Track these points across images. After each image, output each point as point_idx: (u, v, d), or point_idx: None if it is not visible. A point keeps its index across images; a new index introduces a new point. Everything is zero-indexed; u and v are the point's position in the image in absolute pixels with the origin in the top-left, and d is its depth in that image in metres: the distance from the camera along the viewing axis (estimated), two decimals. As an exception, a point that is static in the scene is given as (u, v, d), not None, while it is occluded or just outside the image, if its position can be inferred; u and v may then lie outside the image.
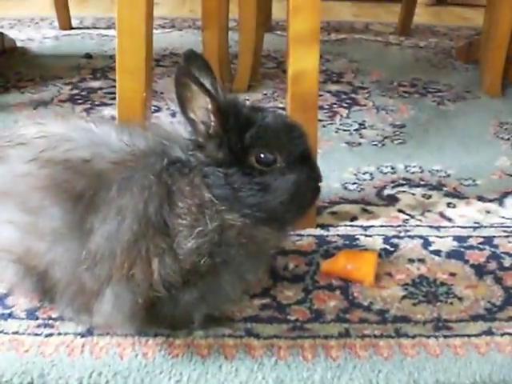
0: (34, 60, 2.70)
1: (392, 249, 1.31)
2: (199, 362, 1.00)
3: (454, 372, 1.00)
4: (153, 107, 2.02)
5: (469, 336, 1.07)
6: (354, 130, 1.97)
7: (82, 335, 1.05)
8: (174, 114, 1.97)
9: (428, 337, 1.07)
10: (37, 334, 1.06)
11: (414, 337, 1.07)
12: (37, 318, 1.09)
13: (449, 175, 1.67)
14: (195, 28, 3.26)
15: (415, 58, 2.87)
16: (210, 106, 0.95)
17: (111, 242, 0.93)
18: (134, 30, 1.26)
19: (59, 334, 1.06)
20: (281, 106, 2.13)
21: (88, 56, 2.74)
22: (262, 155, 0.97)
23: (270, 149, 0.97)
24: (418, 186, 1.61)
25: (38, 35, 3.12)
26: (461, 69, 2.70)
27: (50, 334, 1.06)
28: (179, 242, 0.94)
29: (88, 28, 3.31)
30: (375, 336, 1.06)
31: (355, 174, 1.65)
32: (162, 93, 2.26)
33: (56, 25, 3.29)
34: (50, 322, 1.09)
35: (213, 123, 0.96)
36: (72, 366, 0.99)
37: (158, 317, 1.02)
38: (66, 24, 3.27)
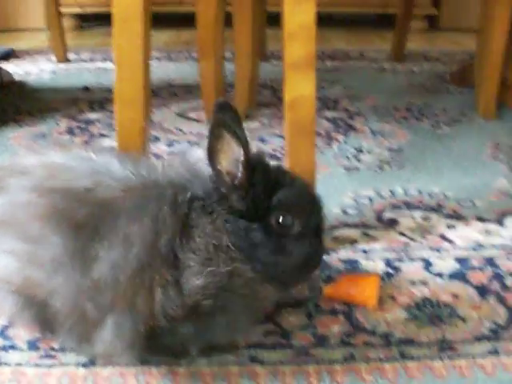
0: (32, 94, 2.72)
1: (394, 272, 1.31)
2: (204, 390, 0.99)
3: (460, 394, 0.98)
4: (151, 137, 2.03)
5: (474, 357, 1.06)
6: (352, 155, 1.97)
7: (84, 365, 1.04)
8: (170, 144, 2.00)
9: (433, 359, 1.06)
10: (39, 365, 1.05)
11: (419, 359, 1.06)
12: (38, 349, 1.08)
13: (447, 197, 1.67)
14: (191, 59, 3.29)
15: (409, 83, 2.89)
16: (241, 158, 0.97)
17: (116, 270, 0.94)
18: (131, 60, 1.28)
19: (61, 364, 1.05)
20: (277, 132, 2.14)
21: (85, 89, 2.76)
22: (283, 218, 1.00)
23: (291, 214, 1.00)
24: (418, 208, 1.61)
25: (35, 69, 3.14)
26: (455, 93, 2.73)
27: (52, 365, 1.05)
28: (187, 277, 0.95)
29: (85, 61, 3.34)
30: (380, 359, 1.06)
31: (354, 199, 1.65)
32: (159, 122, 2.27)
33: (53, 58, 3.32)
34: (52, 352, 1.08)
35: (240, 174, 0.99)
36: (75, 397, 0.98)
37: (158, 346, 1.01)
38: (62, 57, 3.30)
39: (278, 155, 1.94)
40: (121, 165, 1.04)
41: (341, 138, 2.13)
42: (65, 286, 0.96)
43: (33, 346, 1.09)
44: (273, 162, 1.07)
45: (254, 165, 1.00)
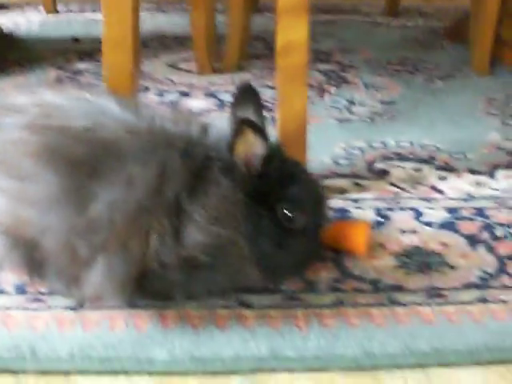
0: (20, 44, 2.67)
1: (384, 220, 1.31)
2: (191, 331, 0.99)
3: (449, 339, 0.99)
4: (141, 87, 2.00)
5: (463, 303, 1.06)
6: (344, 107, 1.95)
7: (73, 309, 1.04)
8: (160, 94, 1.97)
9: (421, 304, 1.06)
10: (27, 309, 1.04)
11: (407, 305, 1.06)
12: (26, 293, 1.08)
13: (439, 149, 1.66)
14: (182, 11, 3.23)
15: (403, 37, 2.85)
16: (260, 153, 1.00)
17: (113, 209, 0.93)
18: (119, 2, 1.24)
19: (49, 308, 1.04)
20: (269, 84, 2.12)
21: (75, 40, 2.71)
22: (289, 212, 1.02)
23: (298, 209, 1.02)
24: (409, 160, 1.60)
25: (24, 20, 3.08)
26: (449, 48, 2.68)
27: (40, 309, 1.04)
28: (190, 230, 0.95)
29: (74, 12, 3.27)
30: (368, 305, 1.06)
31: (345, 150, 1.64)
32: (149, 73, 2.24)
33: (42, 9, 3.25)
34: (40, 296, 1.07)
35: (257, 166, 1.01)
36: (63, 340, 0.97)
37: (147, 289, 1.01)
38: (51, 8, 3.22)
39: (270, 106, 1.91)
40: (121, 108, 1.03)
41: (333, 89, 2.10)
42: (57, 223, 0.94)
43: (20, 289, 1.09)
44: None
45: (271, 156, 1.02)
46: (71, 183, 0.94)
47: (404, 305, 1.06)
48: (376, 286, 1.11)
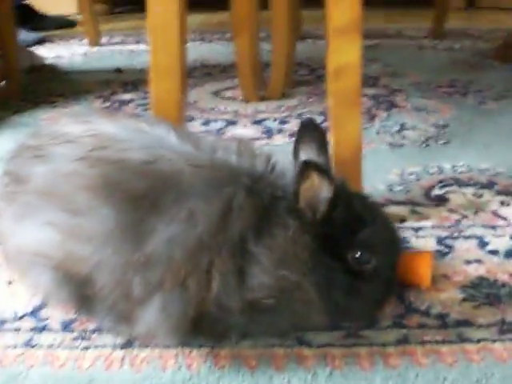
0: (64, 76, 2.69)
1: (447, 250, 1.23)
2: (247, 373, 0.93)
3: (525, 378, 0.90)
4: (188, 116, 1.97)
5: (539, 339, 0.98)
6: (396, 131, 1.89)
7: (122, 347, 0.99)
8: (206, 123, 1.94)
9: (494, 341, 0.98)
10: (73, 348, 0.99)
11: (478, 341, 0.98)
12: (73, 331, 1.03)
13: (499, 173, 1.58)
14: (224, 40, 3.22)
15: (451, 60, 2.78)
16: (326, 196, 0.93)
17: (172, 245, 0.88)
18: (166, 26, 1.21)
19: (96, 346, 0.99)
20: (316, 110, 2.07)
21: (118, 70, 2.71)
22: (361, 256, 0.95)
23: (370, 254, 0.96)
24: (468, 185, 1.52)
25: (68, 52, 3.10)
26: (500, 69, 2.61)
27: (87, 347, 0.99)
28: (256, 272, 0.90)
29: (117, 44, 3.29)
30: (436, 342, 0.98)
31: (400, 175, 1.57)
32: (195, 102, 2.21)
33: (85, 42, 3.27)
34: (87, 334, 1.02)
35: (322, 211, 0.94)
36: (111, 381, 0.92)
37: (202, 330, 0.95)
38: (95, 41, 3.25)
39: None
40: (179, 139, 0.98)
41: (383, 114, 2.04)
42: (112, 259, 0.90)
43: (67, 327, 1.04)
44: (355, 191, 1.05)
45: (337, 197, 0.95)
46: (129, 218, 0.90)
47: (475, 341, 0.98)
48: (443, 321, 1.03)
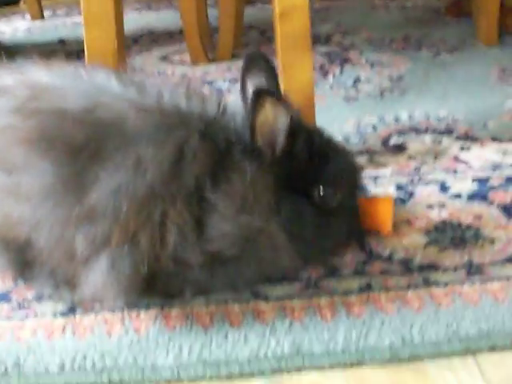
0: (6, 50, 2.55)
1: (407, 196, 1.17)
2: (201, 332, 0.86)
3: (497, 319, 0.85)
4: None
5: (508, 279, 0.93)
6: (350, 85, 1.82)
7: (63, 314, 0.91)
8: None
9: (462, 283, 0.92)
10: (11, 318, 0.91)
11: (445, 285, 0.92)
12: (10, 301, 0.94)
13: (457, 120, 1.53)
14: (172, 8, 3.11)
15: (404, 17, 2.73)
16: (283, 127, 0.85)
17: (118, 196, 0.79)
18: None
19: (36, 315, 0.91)
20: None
21: (61, 42, 2.60)
22: (325, 191, 0.90)
23: (335, 187, 0.90)
24: (426, 132, 1.46)
25: (10, 28, 2.97)
26: (453, 23, 2.56)
27: (26, 317, 0.91)
28: (215, 222, 0.82)
29: (61, 16, 3.16)
30: (401, 287, 0.92)
31: (356, 126, 1.51)
32: (141, 67, 2.11)
33: (28, 17, 3.14)
34: (26, 303, 0.94)
35: (281, 144, 0.87)
36: (52, 351, 0.84)
37: (154, 288, 0.88)
38: (38, 15, 3.12)
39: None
40: (122, 84, 0.89)
41: (336, 70, 1.97)
42: (52, 216, 0.81)
43: (4, 297, 0.95)
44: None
45: (296, 130, 0.88)
46: (69, 171, 0.81)
47: (442, 285, 0.92)
48: (407, 266, 0.97)
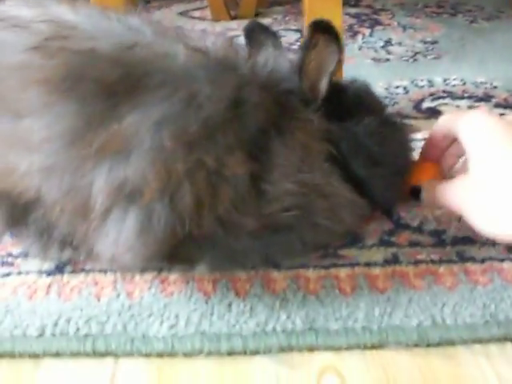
0: None
1: (440, 163, 1.05)
2: (201, 300, 0.75)
3: (541, 302, 0.74)
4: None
5: (555, 257, 0.81)
6: (380, 47, 1.70)
7: (49, 273, 0.80)
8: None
9: (502, 260, 0.81)
10: (-10, 275, 0.81)
11: (482, 261, 0.81)
12: (-8, 255, 0.85)
13: (495, 87, 1.40)
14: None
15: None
16: (331, 66, 0.75)
17: (161, 127, 0.65)
18: None
19: (19, 273, 0.81)
20: (292, 27, 1.87)
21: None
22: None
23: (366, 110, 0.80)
24: (462, 98, 1.34)
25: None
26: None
27: (8, 274, 0.81)
28: (275, 178, 0.69)
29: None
30: (432, 261, 0.81)
31: (386, 89, 1.38)
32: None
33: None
34: (10, 259, 0.84)
35: (325, 87, 0.76)
36: (32, 312, 0.74)
37: (178, 255, 0.74)
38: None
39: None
40: (160, 30, 0.74)
41: (366, 31, 1.84)
42: (68, 161, 0.67)
43: (-15, 251, 0.85)
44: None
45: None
46: (98, 108, 0.66)
47: (479, 261, 0.81)
48: (439, 238, 0.86)
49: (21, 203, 0.73)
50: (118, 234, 0.68)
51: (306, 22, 1.10)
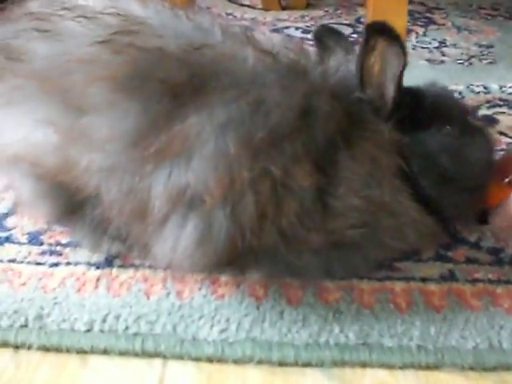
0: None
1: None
2: (252, 306, 0.74)
3: None
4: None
5: None
6: (434, 47, 1.66)
7: (98, 266, 0.79)
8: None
9: None
10: (39, 264, 0.80)
11: (543, 284, 0.78)
12: (41, 244, 0.84)
13: (554, 97, 1.36)
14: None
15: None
16: (397, 70, 0.71)
17: (226, 131, 0.63)
18: None
19: (68, 263, 0.80)
20: (344, 21, 1.83)
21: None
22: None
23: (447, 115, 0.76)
24: (520, 107, 1.30)
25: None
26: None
27: (56, 264, 0.80)
28: (342, 192, 0.66)
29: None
30: (490, 281, 0.78)
31: (442, 93, 1.34)
32: (208, 7, 1.98)
33: None
34: (58, 248, 0.83)
35: (391, 95, 0.72)
36: (81, 306, 0.74)
37: (236, 265, 0.73)
38: None
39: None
40: (229, 32, 0.73)
41: (420, 30, 1.80)
42: (129, 162, 0.66)
43: (34, 239, 0.85)
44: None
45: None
46: (164, 109, 0.65)
47: (539, 283, 0.78)
48: (497, 256, 0.83)
49: (79, 197, 0.72)
50: (177, 241, 0.67)
51: (368, 19, 1.06)
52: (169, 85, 0.66)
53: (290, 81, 0.68)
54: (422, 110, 0.75)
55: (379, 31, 0.69)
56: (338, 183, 0.67)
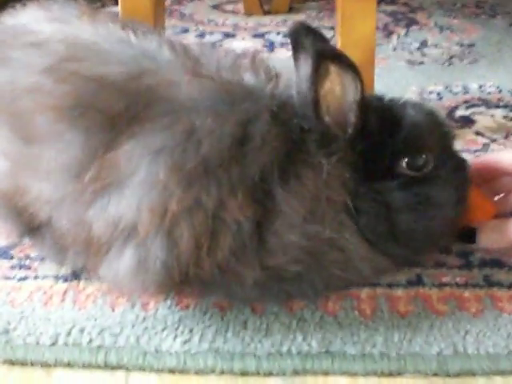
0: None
1: (471, 177, 1.02)
2: (216, 316, 0.74)
3: None
4: (181, 27, 1.77)
5: None
6: (415, 48, 1.66)
7: (66, 279, 0.80)
8: (201, 35, 1.72)
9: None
10: (8, 278, 0.81)
11: (510, 286, 0.78)
12: (11, 258, 0.85)
13: (534, 96, 1.36)
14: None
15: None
16: (353, 98, 0.66)
17: (159, 158, 0.63)
18: None
19: (36, 277, 0.81)
20: (326, 25, 1.84)
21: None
22: (415, 159, 0.70)
23: (421, 150, 0.71)
24: (497, 106, 1.30)
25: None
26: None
27: (25, 278, 0.81)
28: (280, 228, 0.65)
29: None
30: (458, 285, 0.78)
31: (420, 94, 1.35)
32: (191, 14, 1.98)
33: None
34: (28, 262, 0.83)
35: (353, 121, 0.68)
36: (47, 320, 0.74)
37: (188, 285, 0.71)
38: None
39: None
40: (175, 53, 0.72)
41: (401, 31, 1.81)
42: (74, 194, 0.66)
43: (4, 253, 0.85)
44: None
45: (368, 105, 0.69)
46: (101, 139, 0.66)
47: (506, 286, 0.78)
48: (467, 259, 0.83)
49: (35, 222, 0.73)
50: (117, 270, 0.67)
51: (338, 21, 1.06)
52: (107, 115, 0.66)
53: (226, 106, 0.66)
54: (396, 137, 0.71)
55: (330, 58, 0.66)
56: (274, 217, 0.65)
